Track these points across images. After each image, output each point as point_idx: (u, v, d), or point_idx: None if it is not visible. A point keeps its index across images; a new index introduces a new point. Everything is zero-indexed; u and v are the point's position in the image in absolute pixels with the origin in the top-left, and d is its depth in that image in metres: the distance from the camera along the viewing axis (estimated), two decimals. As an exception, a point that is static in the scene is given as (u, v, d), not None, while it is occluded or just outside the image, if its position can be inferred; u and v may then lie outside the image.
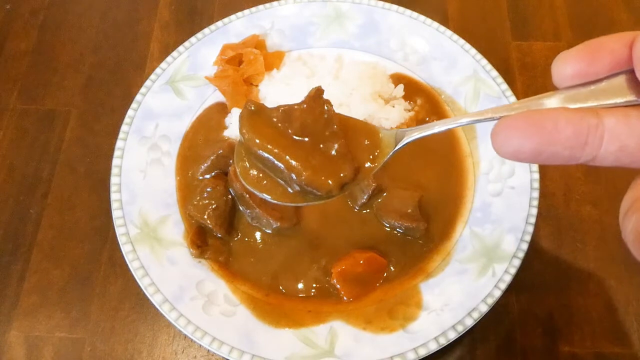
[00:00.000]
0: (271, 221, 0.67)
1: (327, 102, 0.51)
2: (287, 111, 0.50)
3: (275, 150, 0.48)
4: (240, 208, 0.70)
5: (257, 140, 0.48)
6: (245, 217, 0.70)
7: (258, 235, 0.69)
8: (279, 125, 0.49)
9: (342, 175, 0.48)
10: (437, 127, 0.46)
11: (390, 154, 0.49)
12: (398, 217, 0.68)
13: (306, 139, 0.49)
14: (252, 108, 0.50)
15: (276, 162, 0.48)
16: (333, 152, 0.49)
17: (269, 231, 0.69)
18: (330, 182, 0.48)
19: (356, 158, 0.49)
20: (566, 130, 0.32)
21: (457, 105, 0.78)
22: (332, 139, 0.49)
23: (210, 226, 0.67)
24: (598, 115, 0.32)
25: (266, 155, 0.48)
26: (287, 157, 0.48)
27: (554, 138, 0.32)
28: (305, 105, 0.50)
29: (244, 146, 0.50)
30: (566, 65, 0.33)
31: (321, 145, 0.49)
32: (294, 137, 0.49)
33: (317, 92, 0.51)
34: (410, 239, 0.69)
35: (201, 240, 0.68)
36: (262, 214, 0.66)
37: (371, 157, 0.49)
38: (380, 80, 0.80)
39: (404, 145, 0.48)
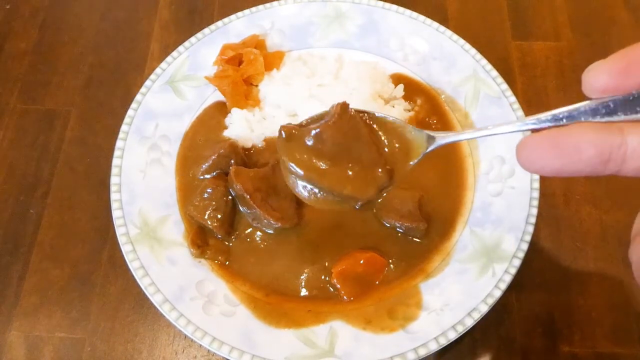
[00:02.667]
0: (272, 221, 0.67)
1: (353, 117, 0.53)
2: (318, 134, 0.53)
3: (314, 176, 0.53)
4: (241, 208, 0.70)
5: (299, 170, 0.53)
6: (245, 218, 0.70)
7: (258, 235, 0.69)
8: (313, 147, 0.53)
9: (378, 182, 0.52)
10: (467, 134, 0.49)
11: (422, 155, 0.52)
12: (398, 217, 0.68)
13: (340, 155, 0.53)
14: (284, 136, 0.53)
15: (318, 185, 0.53)
16: (367, 161, 0.52)
17: (270, 231, 0.69)
18: (369, 190, 0.52)
19: (390, 160, 0.53)
20: (588, 151, 0.32)
21: (457, 105, 0.78)
22: (364, 149, 0.52)
23: (210, 227, 0.67)
24: (622, 133, 0.32)
25: (307, 181, 0.53)
26: (327, 180, 0.52)
27: (576, 159, 0.33)
28: (333, 123, 0.53)
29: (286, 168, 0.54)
30: (598, 78, 0.33)
31: (355, 157, 0.53)
32: (329, 156, 0.53)
33: (343, 109, 0.53)
34: (410, 239, 0.69)
35: (202, 240, 0.68)
36: (262, 214, 0.66)
37: (404, 157, 0.53)
38: (380, 80, 0.80)
39: (435, 148, 0.51)
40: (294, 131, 0.54)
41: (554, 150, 0.33)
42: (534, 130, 0.37)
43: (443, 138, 0.50)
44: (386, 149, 0.54)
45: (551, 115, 0.36)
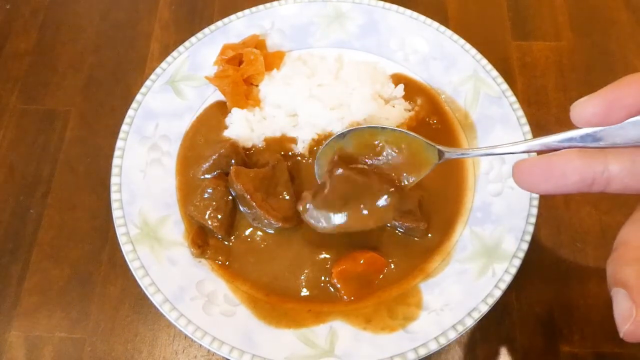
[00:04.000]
0: (272, 222, 0.67)
1: (347, 166, 0.61)
2: (326, 195, 0.61)
3: (344, 226, 0.62)
4: (241, 209, 0.70)
5: (328, 228, 0.63)
6: (245, 218, 0.70)
7: (258, 235, 0.69)
8: (333, 202, 0.62)
9: (392, 204, 0.60)
10: (474, 152, 0.55)
11: (431, 168, 0.59)
12: (398, 217, 0.68)
13: (351, 202, 0.61)
14: (308, 207, 0.62)
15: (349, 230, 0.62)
16: (375, 194, 0.60)
17: (270, 231, 0.69)
18: (388, 214, 0.61)
19: (398, 175, 0.60)
20: (573, 177, 0.37)
21: (457, 105, 0.78)
22: (367, 188, 0.60)
23: (211, 227, 0.67)
24: (605, 161, 0.37)
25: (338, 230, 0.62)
26: (353, 225, 0.62)
27: (562, 184, 0.38)
28: (334, 183, 0.61)
29: None
30: (583, 113, 0.36)
31: (363, 197, 0.61)
32: (342, 208, 0.62)
33: (336, 164, 0.62)
34: (410, 239, 0.69)
35: (202, 240, 0.68)
36: (263, 214, 0.66)
37: (415, 169, 0.60)
38: (380, 80, 0.80)
39: (443, 161, 0.57)
40: (313, 200, 0.62)
41: (543, 175, 0.39)
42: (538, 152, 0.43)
43: (451, 154, 0.56)
44: (398, 160, 0.60)
45: (545, 142, 0.41)
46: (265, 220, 0.67)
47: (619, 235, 0.40)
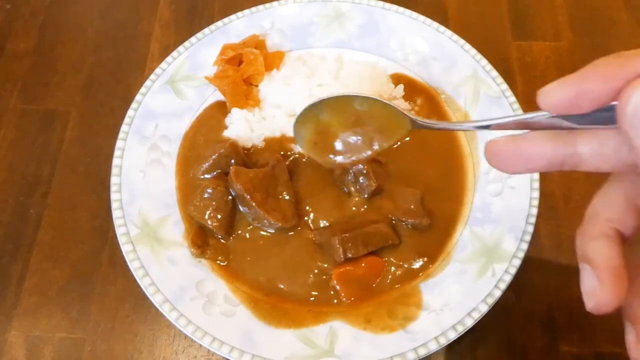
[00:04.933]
0: (272, 221, 0.67)
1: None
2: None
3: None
4: (241, 208, 0.70)
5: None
6: (245, 218, 0.70)
7: (258, 235, 0.69)
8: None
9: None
10: (440, 125, 0.53)
11: (403, 136, 0.56)
12: (402, 214, 0.69)
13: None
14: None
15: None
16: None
17: (271, 231, 0.69)
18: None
19: (372, 139, 0.58)
20: (542, 160, 0.38)
21: (457, 105, 0.78)
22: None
23: (210, 227, 0.67)
24: (574, 143, 0.37)
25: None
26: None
27: (531, 165, 0.39)
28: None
29: None
30: (550, 101, 0.35)
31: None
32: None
33: None
34: (410, 239, 0.69)
35: (202, 240, 0.68)
36: (262, 214, 0.66)
37: (386, 136, 0.57)
38: (380, 80, 0.80)
39: (415, 129, 0.54)
40: None
41: (513, 157, 0.39)
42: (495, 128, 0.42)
43: (422, 123, 0.53)
44: (371, 128, 0.58)
45: (514, 120, 0.40)
46: (265, 220, 0.67)
47: (588, 208, 0.39)
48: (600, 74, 0.33)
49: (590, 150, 0.36)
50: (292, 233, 0.69)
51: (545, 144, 0.38)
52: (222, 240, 0.69)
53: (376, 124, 0.57)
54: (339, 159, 0.60)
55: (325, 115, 0.59)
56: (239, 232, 0.69)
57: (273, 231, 0.69)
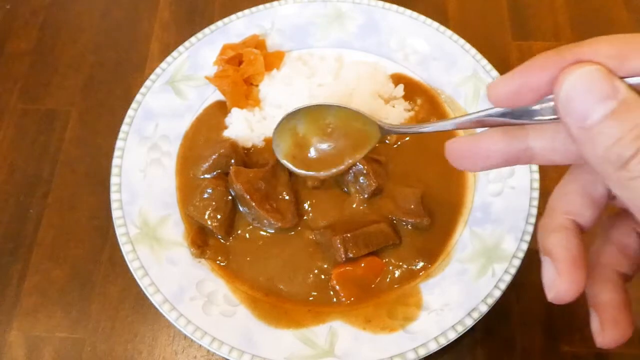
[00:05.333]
0: (272, 221, 0.67)
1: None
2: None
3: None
4: (241, 209, 0.70)
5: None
6: (245, 218, 0.70)
7: (258, 236, 0.69)
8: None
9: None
10: (404, 129, 0.61)
11: (374, 143, 0.58)
12: (402, 214, 0.69)
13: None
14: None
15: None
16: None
17: (271, 231, 0.69)
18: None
19: (346, 147, 0.60)
20: (497, 157, 0.40)
21: (457, 105, 0.78)
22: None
23: (210, 227, 0.67)
24: (526, 138, 0.39)
25: None
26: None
27: (489, 163, 0.41)
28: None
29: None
30: (496, 94, 0.37)
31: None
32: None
33: None
34: (410, 239, 0.69)
35: (202, 240, 0.68)
36: (262, 214, 0.66)
37: (359, 144, 0.59)
38: (380, 80, 0.80)
39: (385, 135, 0.57)
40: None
41: (471, 156, 0.41)
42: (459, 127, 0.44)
43: (390, 129, 0.56)
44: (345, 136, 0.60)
45: (470, 119, 0.42)
46: (265, 221, 0.67)
47: (548, 201, 0.41)
48: (539, 65, 0.34)
49: (542, 144, 0.38)
50: (292, 233, 0.69)
51: (499, 141, 0.40)
52: (222, 241, 0.69)
53: (350, 132, 0.59)
54: (316, 172, 0.61)
55: (301, 126, 0.61)
56: (239, 232, 0.70)
57: (273, 231, 0.69)
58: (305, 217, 0.70)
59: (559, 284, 0.37)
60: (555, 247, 0.38)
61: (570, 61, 0.33)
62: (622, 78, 0.32)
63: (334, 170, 0.60)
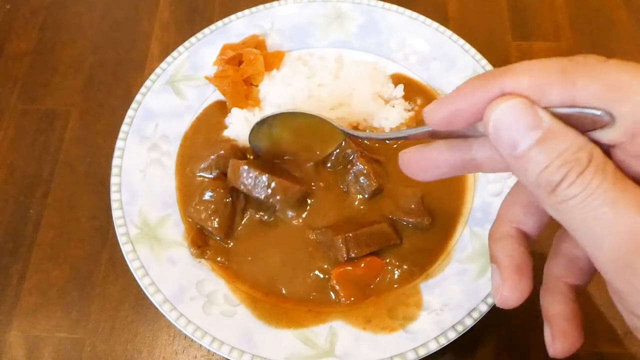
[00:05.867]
0: (294, 190, 0.68)
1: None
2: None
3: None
4: (254, 193, 0.68)
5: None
6: (245, 218, 0.70)
7: (258, 236, 0.69)
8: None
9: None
10: (363, 135, 0.67)
11: (337, 145, 0.70)
12: (402, 214, 0.69)
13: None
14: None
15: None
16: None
17: (291, 213, 0.69)
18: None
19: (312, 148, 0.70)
20: (444, 168, 0.42)
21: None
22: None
23: (210, 229, 0.67)
24: (470, 150, 0.41)
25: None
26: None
27: (437, 173, 0.43)
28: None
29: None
30: (432, 120, 0.39)
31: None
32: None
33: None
34: (410, 239, 0.69)
35: (202, 241, 0.68)
36: (280, 182, 0.67)
37: (324, 146, 0.69)
38: (380, 80, 0.80)
39: (346, 138, 0.67)
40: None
41: (420, 167, 0.43)
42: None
43: (350, 133, 0.62)
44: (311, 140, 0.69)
45: (423, 130, 0.43)
46: (281, 195, 0.67)
47: (498, 210, 0.43)
48: (466, 95, 0.37)
49: (484, 155, 0.41)
50: (292, 234, 0.69)
51: (445, 152, 0.42)
52: (222, 242, 0.69)
53: (317, 135, 0.67)
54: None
55: (275, 130, 0.69)
56: (239, 232, 0.69)
57: (288, 210, 0.69)
58: (305, 217, 0.70)
59: (502, 289, 0.39)
60: (500, 254, 0.40)
61: (496, 92, 0.35)
62: (546, 108, 0.33)
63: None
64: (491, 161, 0.41)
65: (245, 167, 0.67)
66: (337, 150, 0.71)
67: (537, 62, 0.34)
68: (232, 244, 0.69)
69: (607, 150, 0.35)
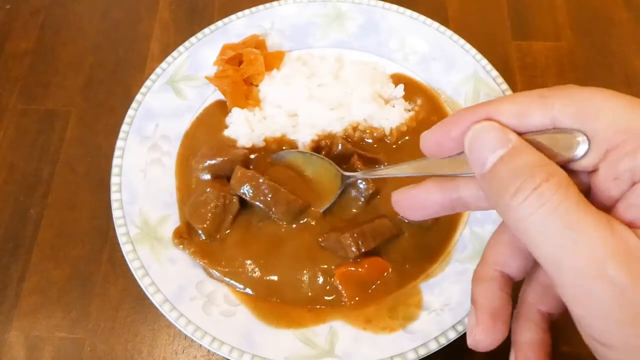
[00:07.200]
0: (298, 203, 0.68)
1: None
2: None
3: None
4: (256, 203, 0.68)
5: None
6: (245, 219, 0.69)
7: (259, 236, 0.69)
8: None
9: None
10: (364, 175, 0.67)
11: (338, 191, 0.69)
12: None
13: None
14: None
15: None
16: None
17: (288, 220, 0.69)
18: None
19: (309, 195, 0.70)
20: (434, 207, 0.45)
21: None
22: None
23: (194, 225, 0.67)
24: (457, 189, 0.43)
25: None
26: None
27: (428, 212, 0.46)
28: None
29: None
30: (424, 146, 0.42)
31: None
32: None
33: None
34: (411, 240, 0.69)
35: (187, 234, 0.68)
36: (284, 194, 0.67)
37: (328, 192, 0.70)
38: (380, 80, 0.80)
39: (347, 182, 0.68)
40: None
41: (410, 207, 0.46)
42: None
43: (350, 177, 0.66)
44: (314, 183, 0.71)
45: (415, 168, 0.48)
46: (284, 207, 0.67)
47: (484, 249, 0.44)
48: (455, 121, 0.40)
49: (469, 193, 0.42)
50: (292, 234, 0.69)
51: (434, 192, 0.44)
52: (210, 243, 0.68)
53: (321, 176, 0.70)
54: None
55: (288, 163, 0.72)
56: (240, 233, 0.69)
57: (288, 218, 0.69)
58: (304, 219, 0.70)
59: (475, 332, 0.40)
60: (479, 297, 0.41)
61: (482, 118, 0.38)
62: (521, 133, 0.37)
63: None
64: (476, 200, 0.43)
65: (250, 174, 0.67)
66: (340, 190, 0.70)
67: (520, 92, 0.38)
68: (231, 243, 0.68)
69: (587, 182, 0.37)
